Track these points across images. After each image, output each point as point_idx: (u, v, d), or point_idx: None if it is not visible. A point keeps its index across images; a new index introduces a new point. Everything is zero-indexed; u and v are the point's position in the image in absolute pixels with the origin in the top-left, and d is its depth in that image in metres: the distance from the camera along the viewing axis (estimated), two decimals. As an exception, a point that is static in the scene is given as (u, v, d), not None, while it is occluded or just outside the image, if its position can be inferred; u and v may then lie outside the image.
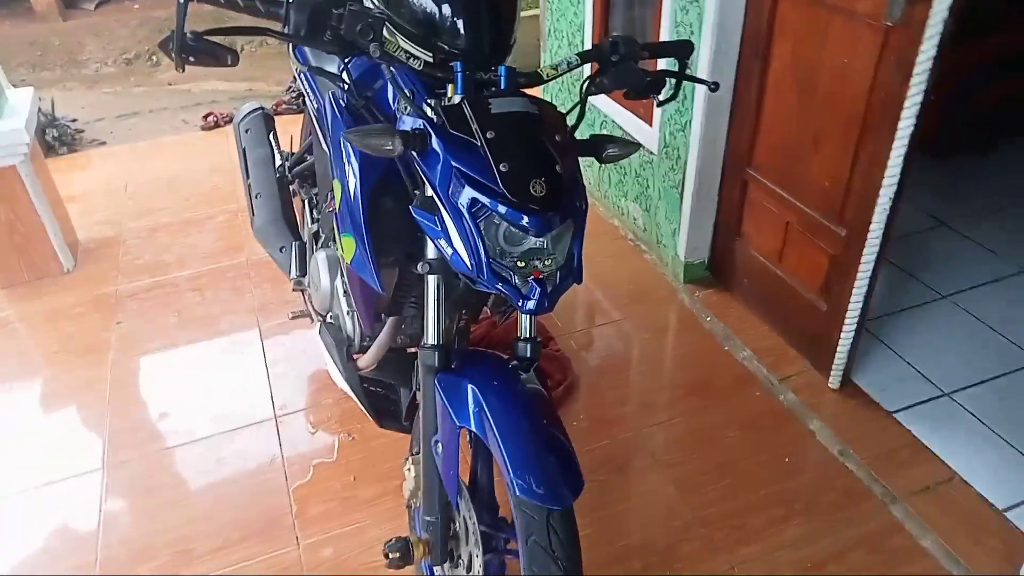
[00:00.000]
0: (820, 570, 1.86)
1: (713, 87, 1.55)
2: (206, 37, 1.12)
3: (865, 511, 2.01)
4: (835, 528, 1.97)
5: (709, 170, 2.61)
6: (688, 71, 1.44)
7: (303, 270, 2.20)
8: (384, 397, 1.95)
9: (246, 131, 2.61)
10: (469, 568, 1.47)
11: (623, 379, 2.51)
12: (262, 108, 2.68)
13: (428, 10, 1.25)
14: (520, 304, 1.20)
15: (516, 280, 1.20)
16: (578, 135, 1.34)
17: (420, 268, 1.34)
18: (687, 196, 2.69)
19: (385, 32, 1.21)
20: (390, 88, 1.40)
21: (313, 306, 2.06)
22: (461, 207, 1.15)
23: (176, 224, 3.47)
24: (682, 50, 1.46)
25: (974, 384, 2.37)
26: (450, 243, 1.18)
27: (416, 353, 1.45)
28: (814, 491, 2.08)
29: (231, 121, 4.50)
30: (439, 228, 1.19)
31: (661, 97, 1.47)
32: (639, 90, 1.45)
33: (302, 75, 2.03)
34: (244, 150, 2.56)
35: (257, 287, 2.98)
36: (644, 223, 3.07)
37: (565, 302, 2.78)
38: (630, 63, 1.41)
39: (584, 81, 1.41)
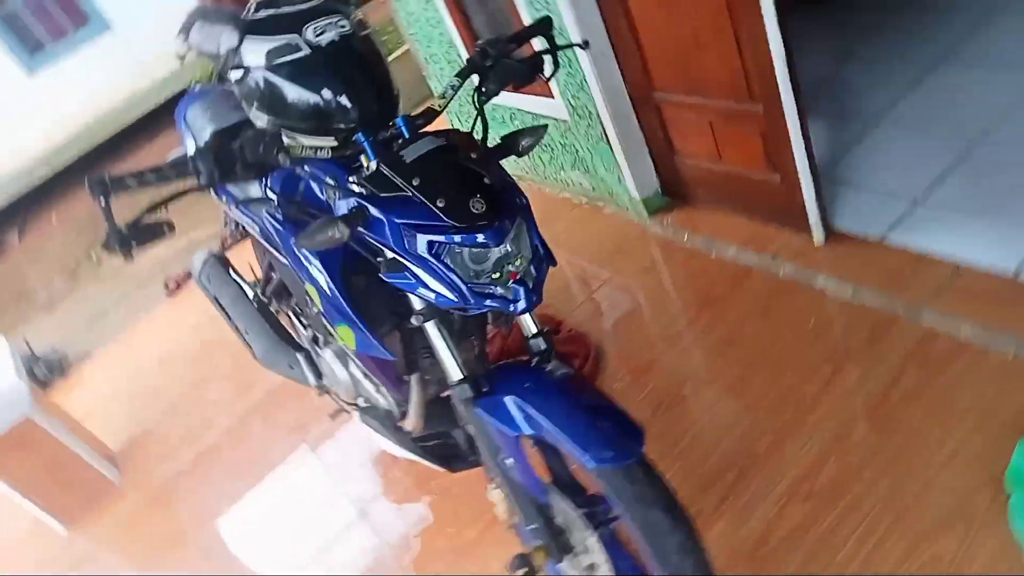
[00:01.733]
0: (885, 403, 1.96)
1: (583, 45, 1.67)
2: (139, 223, 1.23)
3: (899, 333, 2.12)
4: (880, 359, 2.07)
5: (621, 111, 2.72)
6: (559, 40, 1.55)
7: (318, 374, 2.29)
8: (443, 445, 2.05)
9: (208, 280, 2.69)
10: (587, 550, 1.57)
11: (638, 326, 2.62)
12: (212, 253, 2.77)
13: (312, 102, 1.33)
14: (512, 308, 1.32)
15: (499, 290, 1.33)
16: (492, 140, 1.45)
17: (415, 321, 1.44)
18: (614, 143, 2.80)
19: (285, 139, 1.31)
20: (313, 184, 1.49)
21: (343, 400, 2.16)
22: (423, 254, 1.26)
23: (188, 392, 3.57)
24: (543, 27, 1.57)
25: (936, 182, 2.48)
26: (429, 288, 1.29)
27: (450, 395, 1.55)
28: (846, 338, 2.19)
29: (190, 276, 4.61)
30: (413, 281, 1.30)
31: (547, 73, 1.58)
32: (523, 78, 1.57)
33: (232, 209, 2.12)
34: (215, 298, 2.65)
35: (286, 409, 3.08)
36: (590, 183, 3.18)
37: (557, 284, 2.90)
38: (504, 61, 1.52)
39: (474, 94, 1.51)
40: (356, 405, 2.10)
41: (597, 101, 2.69)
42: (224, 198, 2.09)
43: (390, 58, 4.65)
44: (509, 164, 1.43)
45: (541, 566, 1.56)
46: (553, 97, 2.93)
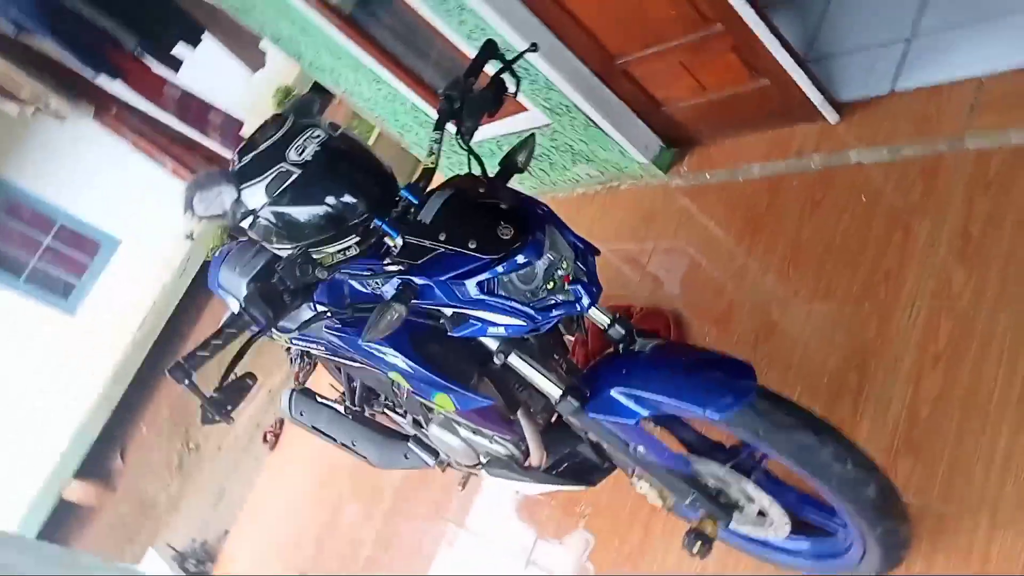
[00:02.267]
0: (969, 241, 1.90)
1: (533, 48, 1.71)
2: (224, 388, 1.30)
3: (950, 170, 2.06)
4: (945, 202, 2.01)
5: (594, 91, 2.74)
6: (508, 55, 1.59)
7: (434, 453, 2.33)
8: (574, 465, 2.05)
9: (301, 415, 2.79)
10: (750, 499, 1.55)
11: (702, 278, 2.60)
12: (293, 390, 2.87)
13: (322, 213, 1.37)
14: (579, 308, 1.35)
15: (559, 297, 1.37)
16: (492, 171, 1.51)
17: (498, 360, 1.48)
18: (600, 122, 2.80)
19: (315, 255, 1.38)
20: (354, 283, 1.55)
21: (465, 466, 2.20)
22: (477, 297, 1.31)
23: (327, 524, 3.66)
24: (489, 50, 1.62)
25: (919, 11, 2.41)
26: (496, 325, 1.33)
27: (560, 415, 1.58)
28: (902, 198, 2.13)
29: (283, 424, 4.76)
30: (480, 325, 1.34)
31: (512, 90, 1.63)
32: (493, 103, 1.62)
33: (294, 342, 2.20)
34: (313, 427, 2.74)
35: (418, 500, 3.13)
36: (597, 169, 3.19)
37: (610, 274, 2.90)
38: (469, 97, 1.58)
39: (457, 139, 1.57)
40: (479, 464, 2.13)
41: (567, 93, 2.72)
42: (283, 335, 2.18)
43: (371, 141, 4.81)
44: (522, 190, 1.47)
45: (715, 533, 1.55)
46: (527, 109, 2.98)
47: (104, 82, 3.51)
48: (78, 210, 6.94)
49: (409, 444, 2.43)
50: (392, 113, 3.57)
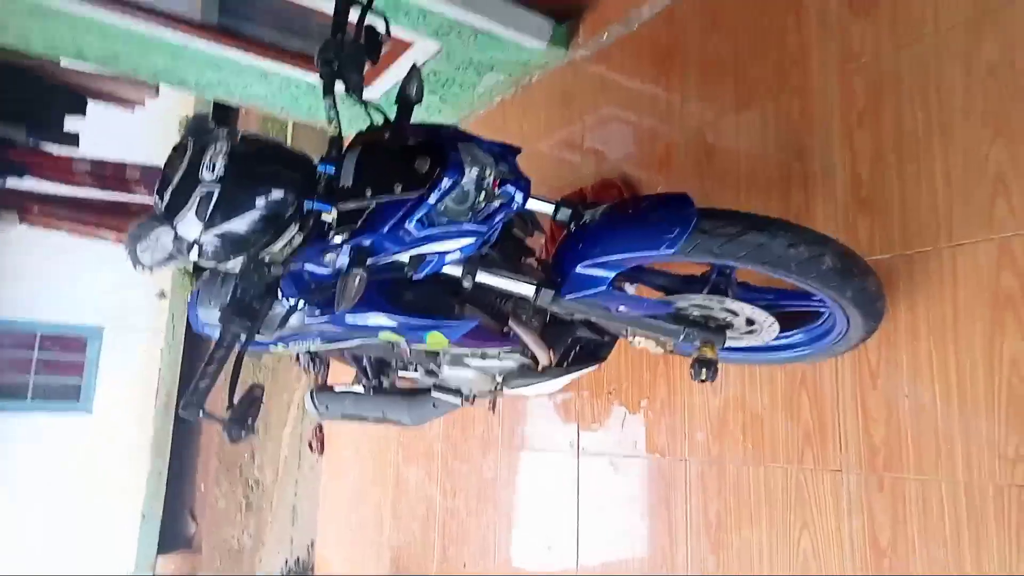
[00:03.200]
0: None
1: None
2: (235, 406, 1.38)
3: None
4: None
5: None
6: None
7: (457, 392, 2.44)
8: (580, 349, 2.15)
9: (327, 408, 2.89)
10: (736, 313, 1.65)
11: (636, 134, 2.64)
12: (311, 390, 2.97)
13: (255, 218, 1.37)
14: (516, 206, 1.42)
15: (496, 203, 1.44)
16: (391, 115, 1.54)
17: (467, 283, 1.54)
18: (486, 25, 2.80)
19: (266, 257, 1.43)
20: (311, 267, 1.58)
21: (486, 391, 2.31)
22: (423, 234, 1.38)
23: (397, 501, 3.82)
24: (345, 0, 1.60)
25: None
26: (450, 252, 1.41)
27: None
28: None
29: (321, 427, 4.90)
30: (436, 258, 1.41)
31: (383, 31, 1.62)
32: (371, 53, 1.59)
33: (288, 347, 2.27)
34: (344, 415, 2.85)
35: (464, 440, 3.27)
36: (503, 72, 3.18)
37: (554, 168, 2.95)
38: (343, 54, 1.56)
39: (351, 96, 1.56)
40: (498, 385, 2.23)
41: (442, 11, 2.70)
42: (275, 345, 2.25)
43: (289, 140, 4.77)
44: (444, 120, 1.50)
45: (715, 354, 1.64)
46: (412, 43, 2.96)
47: (15, 183, 3.47)
48: (49, 316, 6.97)
49: (432, 394, 2.54)
50: (292, 100, 3.55)
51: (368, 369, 2.65)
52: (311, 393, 2.97)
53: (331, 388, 2.87)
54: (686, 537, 2.15)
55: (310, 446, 4.97)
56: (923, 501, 1.62)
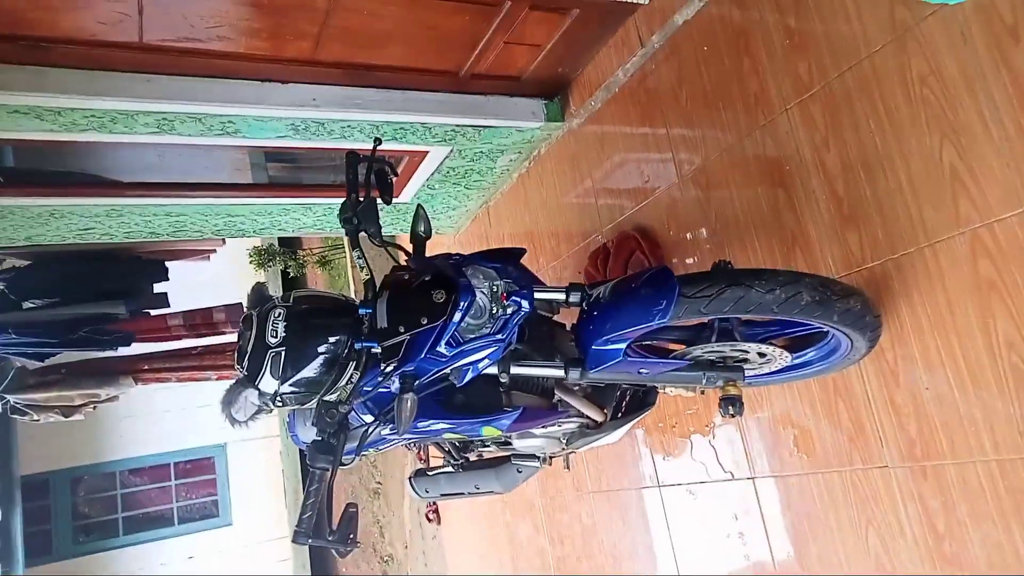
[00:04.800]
0: (796, 32, 2.11)
1: (378, 142, 2.01)
2: (337, 528, 1.65)
3: (749, -16, 2.26)
4: (762, 12, 2.22)
5: (461, 105, 3.02)
6: (365, 157, 1.84)
7: (534, 456, 2.66)
8: (631, 398, 2.35)
9: (427, 491, 3.16)
10: (746, 351, 1.82)
11: (640, 183, 2.84)
12: (410, 476, 3.25)
13: (321, 362, 1.65)
14: (524, 311, 1.66)
15: (509, 311, 1.68)
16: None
17: (503, 379, 1.79)
18: (484, 122, 3.09)
19: (331, 398, 1.72)
20: (373, 391, 1.85)
21: (558, 452, 2.52)
22: (451, 352, 1.64)
23: (515, 554, 4.05)
24: (352, 160, 1.85)
25: None
26: (480, 361, 1.66)
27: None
28: (728, 29, 2.34)
29: (435, 504, 5.20)
30: (471, 368, 1.66)
31: (391, 175, 1.90)
32: (385, 196, 1.87)
33: (379, 450, 2.56)
34: (443, 494, 3.11)
35: (557, 492, 3.48)
36: (513, 152, 3.45)
37: (576, 226, 3.18)
38: (360, 210, 1.84)
39: (374, 242, 1.83)
40: (567, 444, 2.45)
41: (443, 121, 3.01)
42: (366, 452, 2.54)
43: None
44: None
45: (739, 391, 1.81)
46: (427, 151, 3.27)
47: (124, 350, 3.98)
48: (178, 445, 7.68)
49: (514, 462, 2.78)
50: (334, 221, 3.91)
51: (452, 451, 2.91)
52: (410, 480, 3.24)
53: (425, 471, 3.13)
54: (768, 549, 2.29)
55: (427, 518, 5.27)
56: (964, 483, 1.73)
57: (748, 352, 1.83)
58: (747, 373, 1.86)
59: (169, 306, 4.09)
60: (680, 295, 1.61)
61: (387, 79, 2.83)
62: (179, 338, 4.09)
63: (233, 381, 1.87)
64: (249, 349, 1.72)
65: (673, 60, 2.59)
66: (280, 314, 1.72)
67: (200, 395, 6.62)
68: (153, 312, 4.11)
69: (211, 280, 5.34)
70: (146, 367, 3.93)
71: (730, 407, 1.81)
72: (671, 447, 2.71)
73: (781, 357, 1.84)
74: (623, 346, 1.71)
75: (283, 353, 1.68)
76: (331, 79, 2.75)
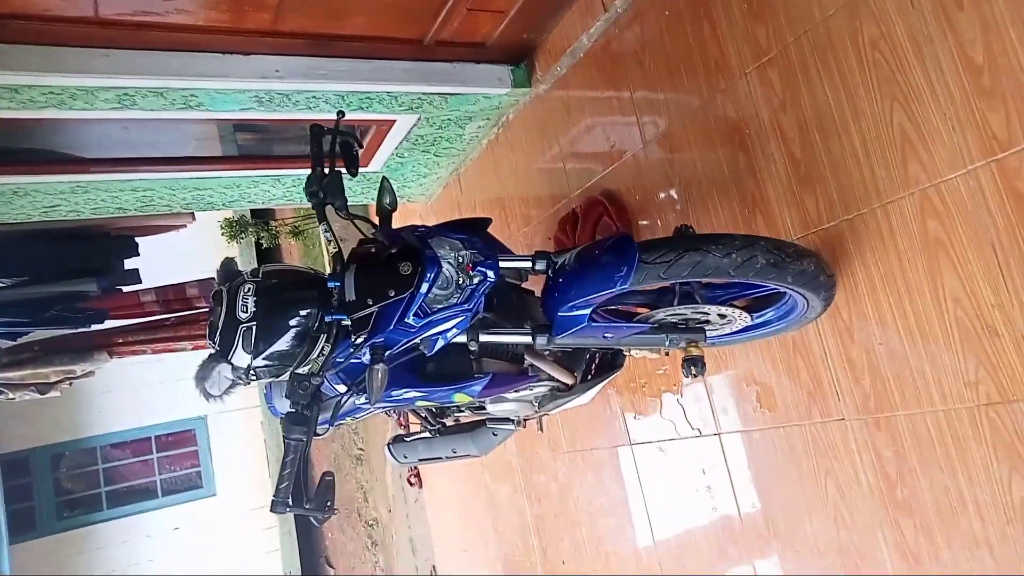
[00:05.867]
0: (752, -5, 2.13)
1: (340, 115, 2.01)
2: (314, 496, 1.70)
3: (709, -53, 2.26)
4: (720, -23, 2.23)
5: (427, 73, 3.00)
6: (328, 128, 1.84)
7: (509, 420, 2.73)
8: (600, 361, 2.41)
9: (405, 456, 3.22)
10: (707, 313, 1.88)
11: (606, 149, 2.87)
12: (387, 444, 3.31)
13: (293, 335, 1.67)
14: (491, 280, 1.70)
15: (475, 281, 1.72)
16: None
17: (472, 347, 1.83)
18: (451, 89, 3.08)
19: (304, 370, 1.75)
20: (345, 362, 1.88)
21: (533, 415, 2.59)
22: (420, 323, 1.67)
23: (495, 517, 4.16)
24: (316, 134, 1.86)
25: None
26: (449, 331, 1.70)
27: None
28: (692, -8, 2.35)
29: (416, 469, 5.28)
30: (440, 337, 1.70)
31: (356, 148, 1.91)
32: (351, 168, 1.89)
33: (355, 419, 2.61)
34: (421, 460, 3.18)
35: (534, 452, 3.57)
36: (481, 119, 3.45)
37: (546, 191, 3.20)
38: (326, 183, 1.85)
39: (341, 215, 1.85)
40: (539, 408, 2.51)
41: (409, 90, 3.00)
42: (341, 421, 2.59)
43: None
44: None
45: (701, 351, 1.87)
46: (394, 120, 3.27)
47: (98, 327, 3.97)
48: (158, 418, 7.69)
49: (489, 424, 2.84)
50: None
51: (428, 417, 2.96)
52: (388, 446, 3.30)
53: (403, 437, 3.19)
54: (735, 501, 2.39)
55: (409, 482, 5.37)
56: (914, 433, 1.83)
57: (709, 314, 1.89)
58: (708, 334, 1.93)
59: (141, 282, 4.07)
60: (640, 261, 1.65)
61: (351, 49, 2.80)
62: (152, 314, 4.08)
63: (206, 356, 1.90)
64: (220, 324, 1.74)
65: (636, 25, 2.60)
66: (250, 289, 1.74)
67: (178, 368, 6.61)
68: (125, 289, 4.10)
69: (183, 254, 5.30)
70: (120, 340, 3.92)
71: (692, 367, 1.88)
72: (642, 407, 2.79)
73: (741, 318, 1.91)
74: (588, 312, 1.76)
75: (254, 327, 1.70)
76: (294, 50, 2.72)
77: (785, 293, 1.90)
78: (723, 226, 2.28)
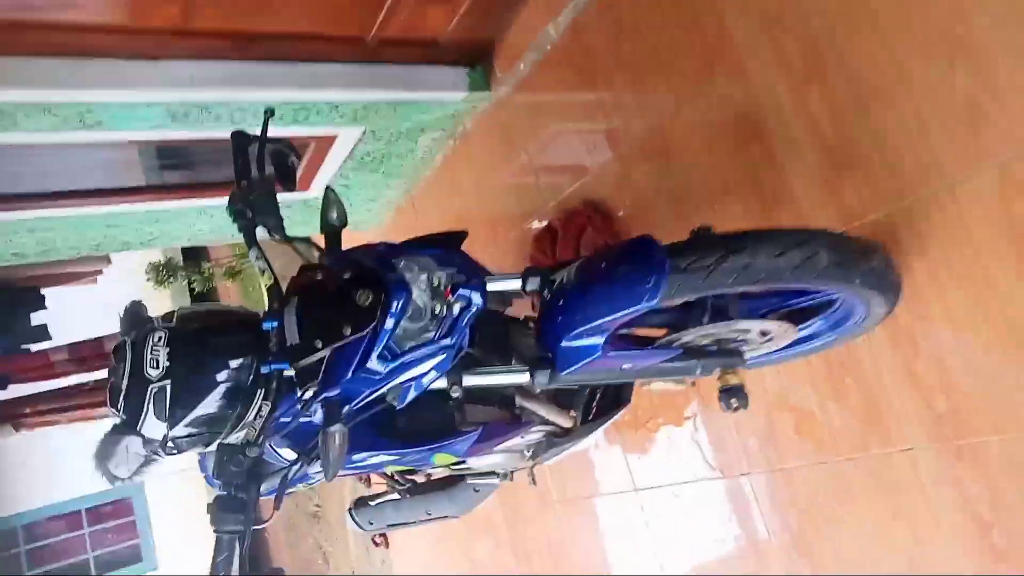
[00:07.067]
0: None
1: (270, 113, 1.60)
2: None
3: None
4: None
5: (371, 77, 2.59)
6: (259, 135, 1.46)
7: (493, 475, 2.31)
8: (601, 399, 2.02)
9: (371, 522, 2.76)
10: (745, 331, 1.52)
11: (585, 152, 2.51)
12: (349, 510, 2.84)
13: (221, 392, 1.29)
14: (477, 307, 1.31)
15: (456, 309, 1.32)
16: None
17: (455, 392, 1.43)
18: (399, 96, 2.69)
19: (235, 438, 1.33)
20: (292, 420, 1.45)
21: (521, 467, 2.19)
22: (386, 368, 1.26)
23: (475, 573, 3.70)
24: (239, 140, 1.45)
25: None
26: (425, 375, 1.30)
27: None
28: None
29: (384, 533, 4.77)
30: (414, 383, 1.30)
31: (292, 158, 1.52)
32: (286, 183, 1.50)
33: (311, 483, 2.16)
34: (389, 526, 2.73)
35: (520, 503, 3.14)
36: (435, 129, 3.06)
37: (516, 207, 2.83)
38: (253, 199, 1.44)
39: (274, 239, 1.45)
40: (531, 460, 2.11)
41: (351, 98, 2.59)
42: (293, 489, 2.14)
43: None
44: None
45: (740, 379, 1.50)
46: (336, 135, 2.85)
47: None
48: (86, 489, 6.92)
49: (469, 481, 2.42)
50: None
51: (395, 475, 2.53)
52: (350, 512, 2.84)
53: (366, 500, 2.75)
54: (772, 553, 2.01)
55: (375, 542, 4.85)
56: (1012, 462, 1.48)
57: (749, 331, 1.52)
58: (747, 356, 1.56)
59: (51, 339, 3.53)
60: (669, 270, 1.28)
61: (280, 49, 2.39)
62: (66, 374, 3.54)
63: (107, 432, 1.45)
64: (124, 386, 1.31)
65: (611, 9, 2.26)
66: (161, 338, 1.33)
67: (103, 431, 5.97)
68: (33, 347, 3.55)
69: (102, 306, 4.73)
70: (28, 410, 3.38)
71: (732, 399, 1.51)
72: (648, 445, 2.40)
73: (786, 334, 1.54)
74: (600, 340, 1.38)
75: (167, 387, 1.29)
76: (211, 52, 2.29)
77: (836, 299, 1.55)
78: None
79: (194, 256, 6.03)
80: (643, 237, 1.34)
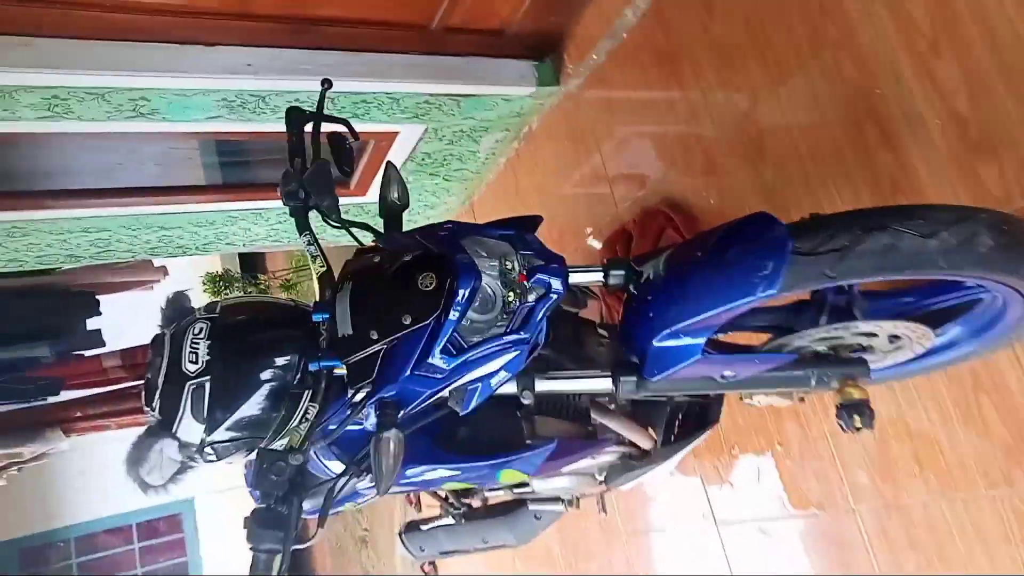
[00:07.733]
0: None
1: (327, 84, 1.47)
2: None
3: None
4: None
5: (434, 69, 2.45)
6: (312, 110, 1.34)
7: (557, 499, 2.11)
8: (685, 418, 1.80)
9: (423, 549, 2.58)
10: (872, 334, 1.28)
11: (665, 149, 2.31)
12: (400, 534, 2.67)
13: (264, 394, 1.16)
14: (557, 294, 1.11)
15: (531, 299, 1.13)
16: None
17: (526, 399, 1.25)
18: (463, 89, 2.53)
19: (278, 444, 1.17)
20: (342, 428, 1.29)
21: (591, 493, 1.98)
22: (450, 365, 1.08)
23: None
24: (294, 118, 1.35)
25: None
26: (494, 375, 1.11)
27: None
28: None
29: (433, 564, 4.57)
30: (481, 386, 1.11)
31: (350, 137, 1.37)
32: (343, 165, 1.37)
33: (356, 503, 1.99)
34: (442, 553, 2.54)
35: (584, 535, 2.89)
36: (499, 129, 2.90)
37: (586, 213, 2.63)
38: (308, 179, 1.32)
39: (329, 222, 1.30)
40: (603, 484, 1.89)
41: (413, 90, 2.44)
42: (339, 509, 1.97)
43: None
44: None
45: (864, 393, 1.26)
46: (397, 132, 2.72)
47: (53, 399, 3.34)
48: (135, 504, 6.88)
49: (530, 508, 2.21)
50: (293, 229, 3.35)
51: (451, 498, 2.34)
52: (400, 536, 2.67)
53: (417, 525, 2.57)
54: (887, 606, 1.72)
55: (423, 570, 4.63)
56: None
57: (877, 335, 1.27)
58: (872, 365, 1.32)
59: (104, 345, 3.46)
60: (792, 253, 1.06)
61: (340, 37, 2.26)
62: (118, 381, 3.47)
63: (141, 434, 1.31)
64: (160, 383, 1.17)
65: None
66: (201, 330, 1.18)
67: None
68: (86, 353, 3.49)
69: (153, 314, 4.71)
70: (78, 414, 3.29)
71: (855, 416, 1.26)
72: (731, 473, 2.14)
73: (921, 339, 1.29)
74: (701, 340, 1.17)
75: (206, 385, 1.15)
76: (269, 38, 2.18)
77: (982, 298, 1.30)
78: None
79: (251, 267, 6.02)
80: (760, 213, 1.13)
